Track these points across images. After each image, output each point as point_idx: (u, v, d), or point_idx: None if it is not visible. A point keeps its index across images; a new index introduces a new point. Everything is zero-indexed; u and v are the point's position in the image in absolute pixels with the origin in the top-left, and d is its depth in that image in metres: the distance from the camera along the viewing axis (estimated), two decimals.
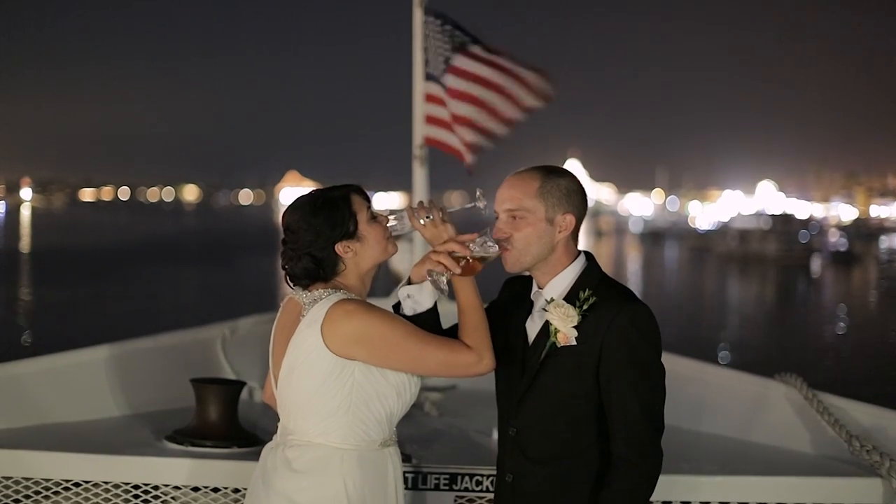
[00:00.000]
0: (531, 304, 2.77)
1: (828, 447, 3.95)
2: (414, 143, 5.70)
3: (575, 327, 2.62)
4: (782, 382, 4.27)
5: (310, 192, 2.73)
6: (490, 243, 2.64)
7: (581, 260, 2.74)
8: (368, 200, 2.77)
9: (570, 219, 2.68)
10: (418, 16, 5.61)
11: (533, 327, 2.74)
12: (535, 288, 2.78)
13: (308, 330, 2.61)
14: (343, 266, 2.70)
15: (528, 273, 2.79)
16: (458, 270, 2.62)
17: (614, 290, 2.67)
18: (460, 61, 5.54)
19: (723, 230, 69.63)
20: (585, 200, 2.73)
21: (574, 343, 2.62)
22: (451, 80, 5.55)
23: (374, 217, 2.73)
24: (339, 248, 2.67)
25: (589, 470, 2.66)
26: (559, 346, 2.64)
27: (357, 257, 2.70)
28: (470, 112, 5.52)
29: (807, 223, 67.09)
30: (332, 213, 2.66)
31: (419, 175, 5.64)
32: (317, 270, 2.67)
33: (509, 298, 2.88)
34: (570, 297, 2.66)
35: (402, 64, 5.85)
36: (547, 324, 2.66)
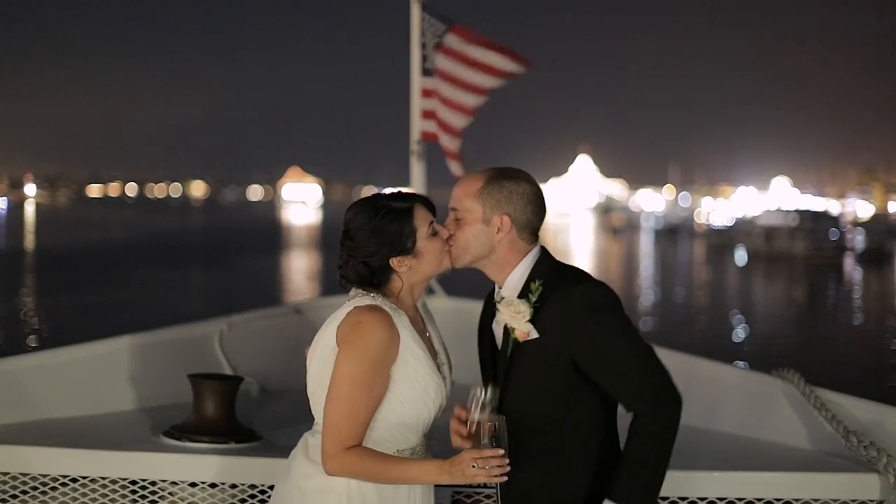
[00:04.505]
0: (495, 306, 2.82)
1: (825, 443, 3.94)
2: (412, 139, 5.74)
3: (531, 321, 2.66)
4: (780, 378, 4.26)
5: (374, 198, 2.75)
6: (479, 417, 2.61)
7: (533, 254, 2.78)
8: (433, 212, 2.79)
9: (506, 221, 2.74)
10: (416, 11, 5.64)
11: (498, 329, 2.79)
12: (496, 289, 2.83)
13: (329, 326, 2.68)
14: (396, 277, 2.72)
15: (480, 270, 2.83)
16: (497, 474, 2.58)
17: (565, 275, 2.72)
18: (441, 61, 5.69)
19: (747, 227, 67.52)
20: (535, 204, 2.78)
21: (535, 336, 2.67)
22: (442, 61, 5.69)
23: (435, 232, 2.74)
24: (394, 262, 2.70)
25: (577, 458, 2.70)
26: (521, 342, 2.68)
27: (411, 271, 2.73)
28: (447, 92, 5.67)
29: (836, 220, 64.24)
30: (392, 227, 2.68)
31: (417, 170, 5.67)
32: (370, 278, 2.71)
33: (484, 312, 2.95)
34: (524, 291, 2.72)
35: (407, 59, 5.89)
36: None
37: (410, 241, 2.70)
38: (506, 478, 2.53)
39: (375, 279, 2.72)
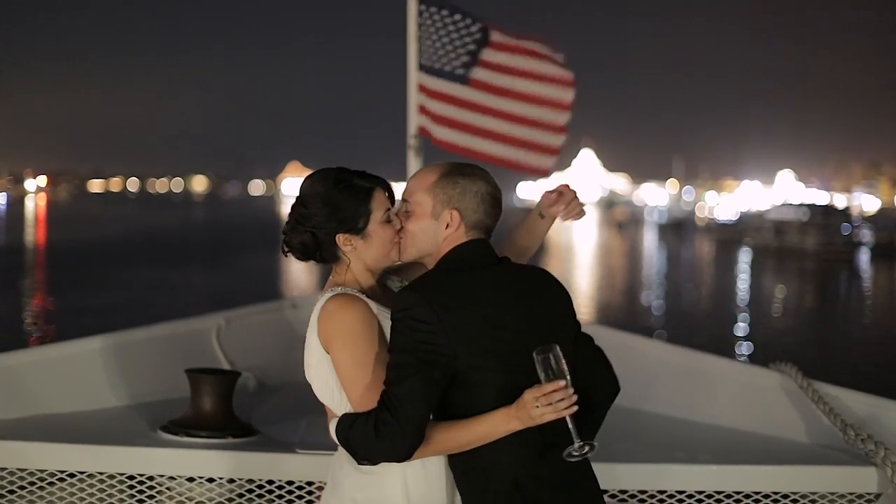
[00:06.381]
0: None
1: (823, 436, 3.94)
2: (408, 133, 5.75)
3: None
4: (777, 371, 4.26)
5: (338, 171, 2.67)
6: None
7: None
8: (392, 200, 2.71)
9: (455, 216, 2.62)
10: (413, 7, 5.64)
11: None
12: None
13: (310, 338, 2.60)
14: (342, 255, 2.66)
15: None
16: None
17: (426, 272, 2.65)
18: (489, 55, 5.67)
19: (756, 221, 66.02)
20: (489, 204, 2.65)
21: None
22: (483, 74, 5.65)
23: (389, 220, 2.67)
24: (340, 238, 2.63)
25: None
26: None
27: (357, 252, 2.65)
28: (524, 110, 5.68)
29: (848, 215, 62.50)
30: (348, 202, 2.61)
31: (414, 165, 5.68)
32: (314, 251, 2.65)
33: None
34: None
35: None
36: None
37: (363, 221, 2.62)
38: (576, 408, 2.39)
39: (320, 253, 2.65)
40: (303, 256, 2.67)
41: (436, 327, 2.44)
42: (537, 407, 2.37)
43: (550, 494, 2.51)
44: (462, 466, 2.54)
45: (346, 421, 2.50)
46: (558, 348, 2.39)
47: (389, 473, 2.54)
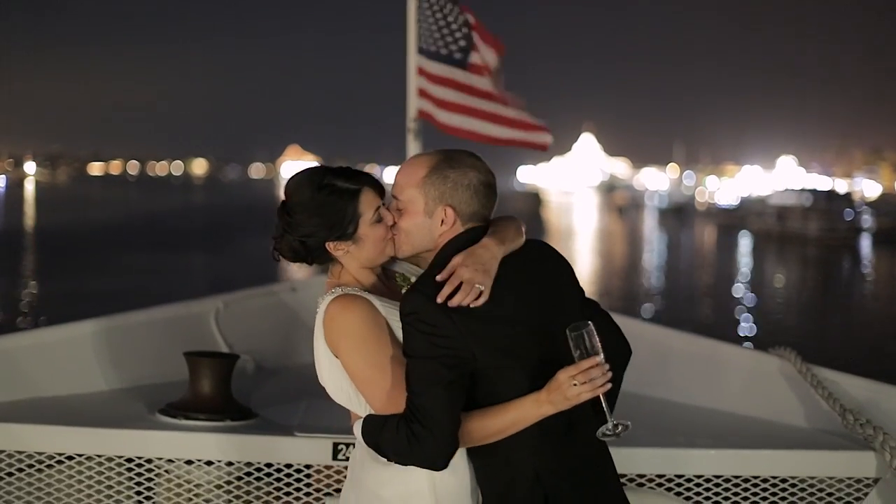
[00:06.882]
0: None
1: (822, 421, 3.94)
2: (408, 117, 5.73)
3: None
4: (777, 356, 4.25)
5: (322, 174, 2.56)
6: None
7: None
8: (382, 194, 2.63)
9: (449, 213, 2.53)
10: None
11: None
12: None
13: (317, 343, 2.55)
14: (337, 259, 2.60)
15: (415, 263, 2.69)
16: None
17: (427, 269, 2.52)
18: (477, 40, 5.75)
19: (759, 207, 65.63)
20: (483, 194, 2.54)
21: None
22: (477, 57, 5.75)
23: (380, 218, 2.58)
24: (330, 245, 2.56)
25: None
26: None
27: (348, 255, 2.59)
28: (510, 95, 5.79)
29: (851, 201, 62.44)
30: (334, 208, 2.53)
31: (413, 148, 5.66)
32: (305, 256, 2.59)
33: None
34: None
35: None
36: None
37: (352, 227, 2.53)
38: (610, 385, 2.31)
39: (311, 258, 2.59)
40: (294, 260, 2.61)
41: (449, 330, 2.36)
42: (574, 385, 2.30)
43: (572, 487, 2.45)
44: (481, 461, 2.49)
45: (374, 424, 2.44)
46: (591, 325, 2.32)
47: (416, 468, 2.46)
